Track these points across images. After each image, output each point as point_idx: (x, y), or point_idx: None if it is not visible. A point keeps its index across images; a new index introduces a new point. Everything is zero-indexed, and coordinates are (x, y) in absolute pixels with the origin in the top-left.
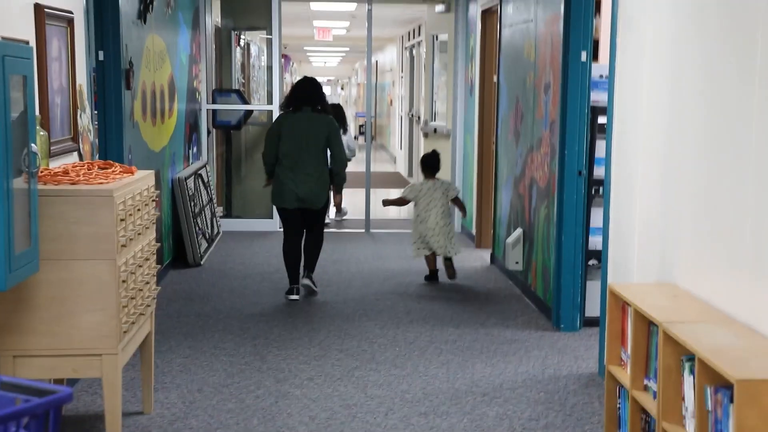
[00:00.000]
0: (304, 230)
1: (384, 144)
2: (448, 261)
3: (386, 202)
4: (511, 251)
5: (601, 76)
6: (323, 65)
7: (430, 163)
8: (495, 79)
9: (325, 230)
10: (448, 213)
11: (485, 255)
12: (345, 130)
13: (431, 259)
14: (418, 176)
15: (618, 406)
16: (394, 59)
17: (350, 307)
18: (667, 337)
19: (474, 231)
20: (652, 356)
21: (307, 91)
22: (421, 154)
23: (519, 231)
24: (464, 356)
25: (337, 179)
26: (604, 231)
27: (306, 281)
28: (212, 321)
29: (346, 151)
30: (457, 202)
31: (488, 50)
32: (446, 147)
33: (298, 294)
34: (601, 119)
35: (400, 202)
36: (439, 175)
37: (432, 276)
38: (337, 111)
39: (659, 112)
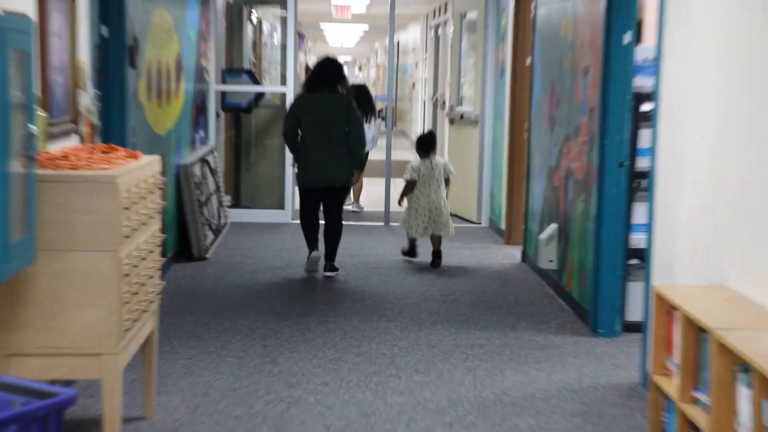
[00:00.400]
0: (323, 210)
1: (405, 130)
2: (437, 244)
3: (401, 200)
4: (545, 248)
5: (645, 60)
6: (340, 46)
7: (428, 142)
8: (528, 61)
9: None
10: (444, 191)
11: (515, 252)
12: (374, 115)
13: (436, 240)
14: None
15: (663, 419)
16: (418, 39)
17: (368, 307)
18: (720, 345)
19: (503, 226)
20: (703, 366)
21: (325, 71)
22: (446, 142)
23: (553, 226)
24: (492, 362)
25: (358, 159)
26: (649, 227)
27: (328, 273)
28: (218, 319)
29: (368, 142)
30: (447, 183)
31: (521, 30)
32: (473, 134)
33: (318, 251)
34: (645, 106)
35: (409, 187)
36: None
37: (411, 249)
38: (362, 93)
39: (711, 98)
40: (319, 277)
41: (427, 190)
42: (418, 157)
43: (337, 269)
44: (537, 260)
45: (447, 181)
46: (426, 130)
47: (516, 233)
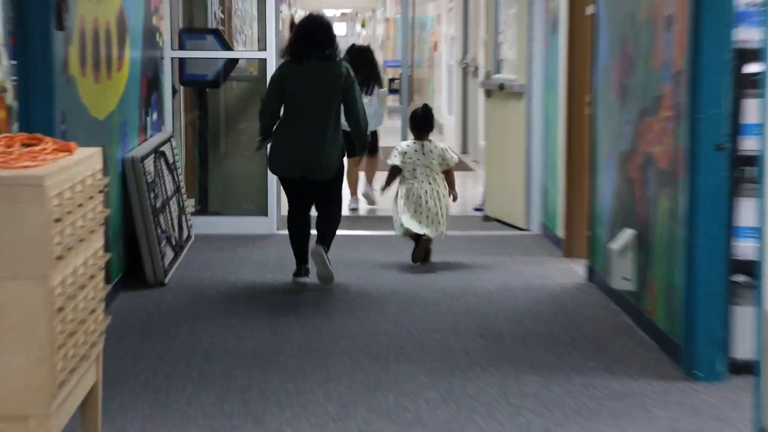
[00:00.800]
0: (314, 206)
1: None
2: (427, 241)
3: (384, 188)
4: (618, 262)
5: (750, 3)
6: None
7: (422, 120)
8: (590, 11)
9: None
10: (438, 183)
11: (578, 268)
12: (378, 85)
13: (424, 240)
14: (476, 152)
15: None
16: None
17: (382, 344)
18: None
19: (560, 232)
20: None
21: (311, 34)
22: (482, 122)
23: (629, 233)
24: (553, 417)
25: (359, 140)
26: (761, 232)
27: (318, 248)
28: (183, 365)
29: (369, 119)
30: (449, 175)
31: None
32: (517, 111)
33: (307, 275)
34: (751, 68)
35: (393, 173)
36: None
37: (422, 255)
38: (365, 58)
39: None
40: (312, 300)
41: (414, 178)
42: (413, 137)
43: (331, 271)
44: (608, 278)
45: (448, 173)
46: (421, 105)
47: (578, 242)
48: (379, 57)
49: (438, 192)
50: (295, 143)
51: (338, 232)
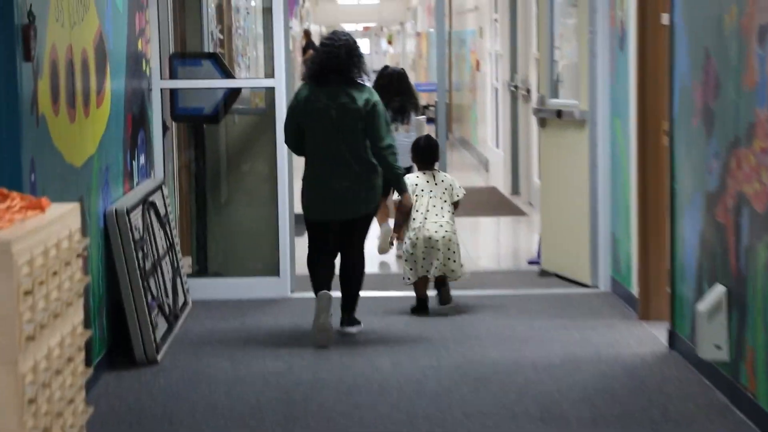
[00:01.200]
0: (338, 248)
1: (466, 138)
2: (441, 283)
3: (396, 230)
4: (707, 327)
5: None
6: (356, 3)
7: (427, 150)
8: (666, 19)
9: (362, 292)
10: (452, 218)
11: (658, 332)
12: (416, 112)
13: (421, 285)
14: (530, 193)
15: None
16: None
17: None
18: None
19: (635, 290)
20: None
21: (332, 55)
22: (535, 156)
23: (719, 290)
24: None
25: (388, 173)
26: None
27: (348, 329)
28: None
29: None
30: (455, 207)
31: None
32: (579, 142)
33: (329, 290)
34: None
35: (403, 207)
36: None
37: (421, 306)
38: (401, 83)
39: None
40: (335, 379)
41: (420, 213)
42: (416, 169)
43: (358, 322)
44: (695, 346)
45: (456, 206)
46: (423, 136)
47: (657, 302)
48: (411, 79)
49: (449, 229)
50: (316, 179)
51: (370, 293)
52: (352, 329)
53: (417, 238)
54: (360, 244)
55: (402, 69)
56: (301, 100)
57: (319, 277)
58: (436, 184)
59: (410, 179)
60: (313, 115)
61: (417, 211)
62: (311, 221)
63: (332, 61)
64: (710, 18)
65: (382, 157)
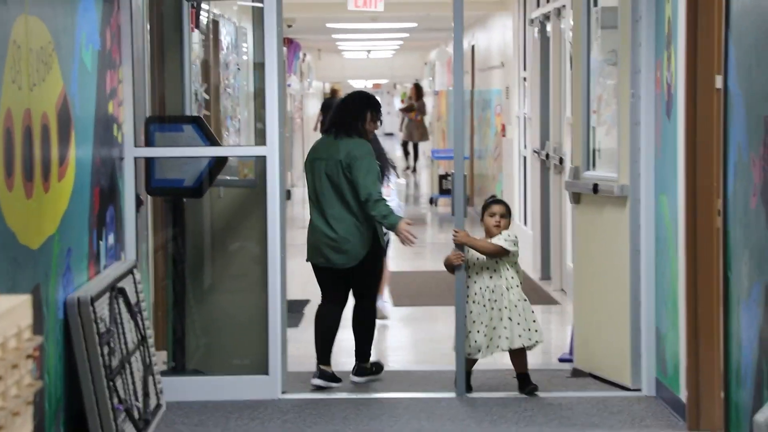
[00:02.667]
0: (347, 297)
1: None
2: (519, 355)
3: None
4: None
5: None
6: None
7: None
8: (719, 83)
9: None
10: (518, 285)
11: None
12: (396, 174)
13: (515, 360)
14: (562, 279)
15: None
16: (509, 43)
17: None
18: None
19: (683, 394)
20: None
21: (338, 109)
22: (569, 236)
23: None
24: None
25: (377, 217)
26: None
27: (357, 379)
28: None
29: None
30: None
31: (704, 25)
32: (619, 221)
33: (324, 379)
34: None
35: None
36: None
37: (523, 384)
38: (374, 146)
39: None
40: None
41: (480, 274)
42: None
43: (370, 372)
44: None
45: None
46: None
47: (709, 409)
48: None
49: (518, 299)
50: (316, 225)
51: (373, 395)
52: (359, 379)
53: (469, 303)
54: (367, 293)
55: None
56: (312, 149)
57: (320, 339)
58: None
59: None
60: (311, 165)
61: (468, 274)
62: (313, 264)
63: (336, 112)
64: None
65: (366, 208)
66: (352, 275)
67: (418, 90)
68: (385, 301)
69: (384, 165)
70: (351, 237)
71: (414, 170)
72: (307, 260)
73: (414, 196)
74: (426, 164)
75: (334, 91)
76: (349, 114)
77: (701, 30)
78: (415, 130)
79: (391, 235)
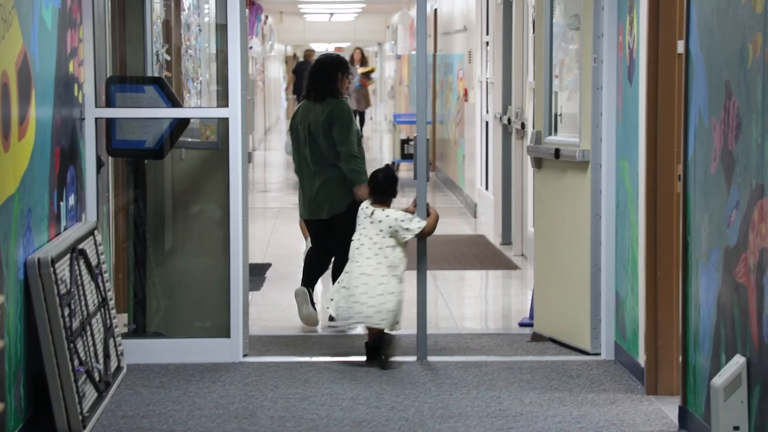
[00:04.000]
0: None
1: (451, 178)
2: (378, 337)
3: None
4: (725, 404)
5: None
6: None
7: (385, 183)
8: (681, 48)
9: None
10: (389, 264)
11: (668, 409)
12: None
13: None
14: (523, 244)
15: None
16: (471, 8)
17: None
18: None
19: (641, 358)
20: None
21: (311, 73)
22: (530, 201)
23: (739, 362)
24: None
25: (346, 170)
26: None
27: (302, 289)
28: None
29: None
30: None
31: None
32: (580, 186)
33: (312, 305)
34: None
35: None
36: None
37: (370, 351)
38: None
39: None
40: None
41: (356, 250)
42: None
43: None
44: (710, 426)
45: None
46: (383, 167)
47: (667, 373)
48: (388, 108)
49: (380, 274)
50: (301, 183)
51: (334, 359)
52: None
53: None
54: (342, 244)
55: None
56: (295, 113)
57: (306, 273)
58: (371, 222)
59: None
60: (296, 129)
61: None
62: (303, 218)
63: (309, 78)
64: (732, 48)
65: (340, 160)
66: (329, 225)
67: (362, 55)
68: None
69: None
70: (331, 191)
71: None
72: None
73: (377, 160)
74: (387, 128)
75: (307, 55)
76: (325, 77)
77: None
78: (363, 98)
79: None
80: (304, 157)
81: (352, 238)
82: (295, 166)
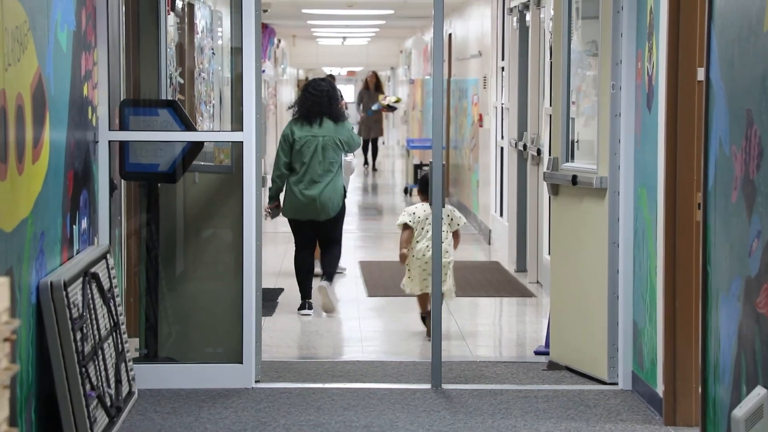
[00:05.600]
0: (319, 245)
1: (465, 204)
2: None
3: (402, 253)
4: None
5: None
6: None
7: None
8: (701, 75)
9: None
10: (448, 245)
11: None
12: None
13: (423, 299)
14: (538, 271)
15: None
16: (486, 33)
17: None
18: None
19: (660, 388)
20: None
21: (315, 97)
22: (546, 229)
23: (760, 393)
24: None
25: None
26: None
27: (323, 283)
28: None
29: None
30: (456, 236)
31: (686, 17)
32: (598, 214)
33: (311, 309)
34: None
35: (404, 235)
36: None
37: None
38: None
39: None
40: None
41: (423, 237)
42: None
43: (332, 301)
44: None
45: (455, 234)
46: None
47: (686, 404)
48: (400, 133)
49: (446, 251)
50: (302, 191)
51: (348, 385)
52: (326, 284)
53: (414, 255)
54: (339, 238)
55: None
56: (295, 132)
57: (301, 281)
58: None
59: (410, 209)
60: (304, 143)
61: (414, 237)
62: (295, 221)
63: (315, 102)
64: (753, 75)
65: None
66: (324, 226)
67: (377, 79)
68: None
69: None
70: (334, 195)
71: (374, 168)
72: (291, 216)
73: (389, 185)
74: (400, 153)
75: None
76: (336, 101)
77: (683, 21)
78: (375, 125)
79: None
80: (310, 167)
81: (411, 228)
82: (294, 174)
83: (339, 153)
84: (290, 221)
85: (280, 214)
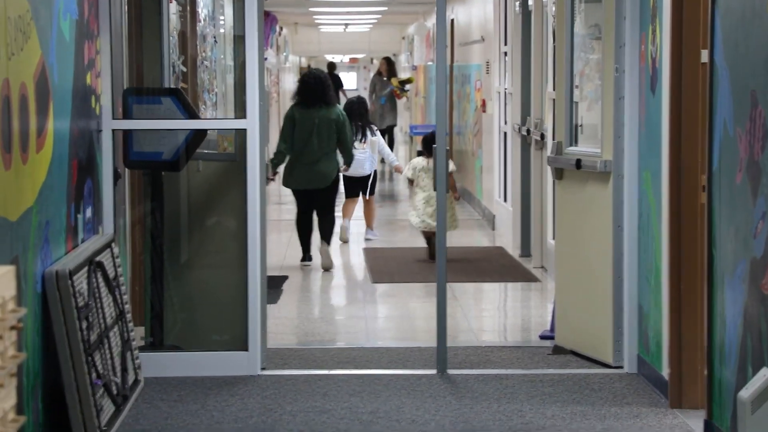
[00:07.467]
0: (316, 213)
1: (469, 189)
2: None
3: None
4: (752, 419)
5: None
6: (342, 32)
7: (432, 141)
8: (705, 57)
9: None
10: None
11: (693, 423)
12: (372, 133)
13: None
14: (543, 256)
15: None
16: (489, 18)
17: None
18: None
19: (666, 371)
20: None
21: (312, 86)
22: (550, 213)
23: (766, 374)
24: None
25: (347, 157)
26: None
27: (323, 245)
28: None
29: (363, 162)
30: (451, 178)
31: (689, 1)
32: (602, 198)
33: (310, 261)
34: None
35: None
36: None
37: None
38: (361, 109)
39: None
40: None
41: (428, 185)
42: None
43: (331, 263)
44: None
45: (450, 177)
46: (429, 132)
47: (691, 386)
48: (404, 120)
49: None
50: (303, 163)
51: (354, 372)
52: (325, 247)
53: (418, 199)
54: (332, 206)
55: (362, 97)
56: (295, 114)
57: (303, 237)
58: (431, 168)
59: (411, 163)
60: (304, 124)
61: (418, 185)
62: (295, 190)
63: (312, 89)
64: (757, 58)
65: (344, 148)
66: (320, 194)
67: (390, 65)
68: (374, 234)
69: (367, 125)
70: (327, 168)
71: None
72: (291, 186)
73: (392, 172)
74: (403, 140)
75: (330, 67)
76: (328, 88)
77: (687, 3)
78: (390, 113)
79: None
80: (310, 144)
81: (425, 181)
82: (293, 150)
83: (333, 132)
84: (293, 191)
85: (283, 185)
